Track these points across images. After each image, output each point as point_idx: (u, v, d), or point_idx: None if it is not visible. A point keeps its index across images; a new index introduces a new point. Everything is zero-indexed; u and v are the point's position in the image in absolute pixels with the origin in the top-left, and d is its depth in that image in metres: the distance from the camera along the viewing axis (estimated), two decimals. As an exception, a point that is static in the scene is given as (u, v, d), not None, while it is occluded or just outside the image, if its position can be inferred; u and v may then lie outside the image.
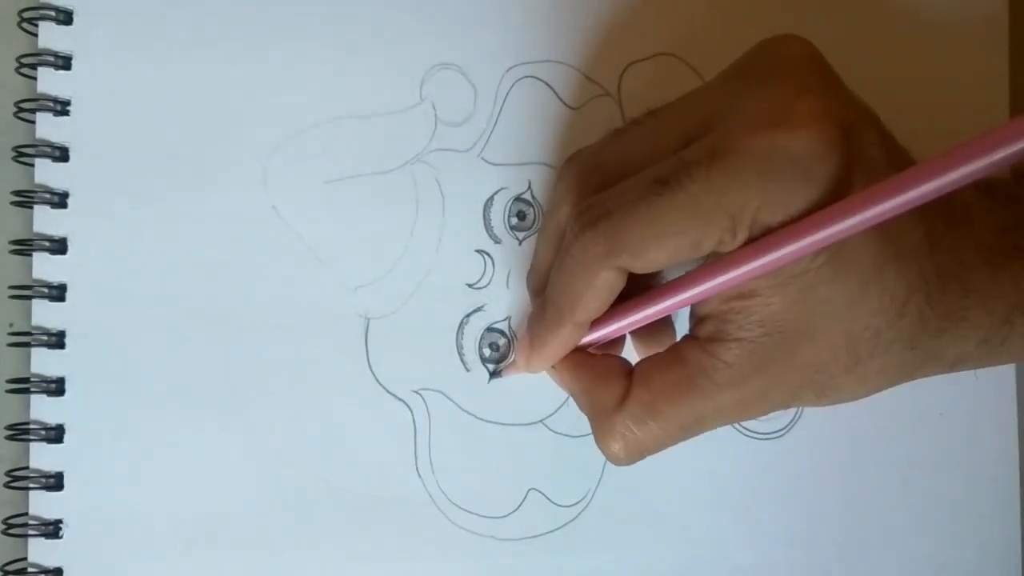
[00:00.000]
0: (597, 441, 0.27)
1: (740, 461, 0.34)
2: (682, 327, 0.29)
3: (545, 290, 0.28)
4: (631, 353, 0.30)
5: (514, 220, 0.32)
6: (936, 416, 0.35)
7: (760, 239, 0.23)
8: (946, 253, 0.25)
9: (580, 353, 0.28)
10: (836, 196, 0.22)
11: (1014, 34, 0.36)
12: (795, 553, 0.34)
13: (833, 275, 0.23)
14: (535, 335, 0.28)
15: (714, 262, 0.24)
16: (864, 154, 0.23)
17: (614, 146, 0.27)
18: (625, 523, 0.33)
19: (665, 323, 0.30)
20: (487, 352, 0.32)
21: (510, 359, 0.32)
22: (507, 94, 0.32)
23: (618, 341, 0.30)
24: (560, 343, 0.27)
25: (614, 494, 0.33)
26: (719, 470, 0.33)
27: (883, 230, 0.23)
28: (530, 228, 0.32)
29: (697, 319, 0.26)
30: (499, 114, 0.32)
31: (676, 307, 0.26)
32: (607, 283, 0.25)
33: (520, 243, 0.32)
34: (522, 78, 0.33)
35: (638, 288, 0.26)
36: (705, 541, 0.33)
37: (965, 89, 0.35)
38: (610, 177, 0.26)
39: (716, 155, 0.23)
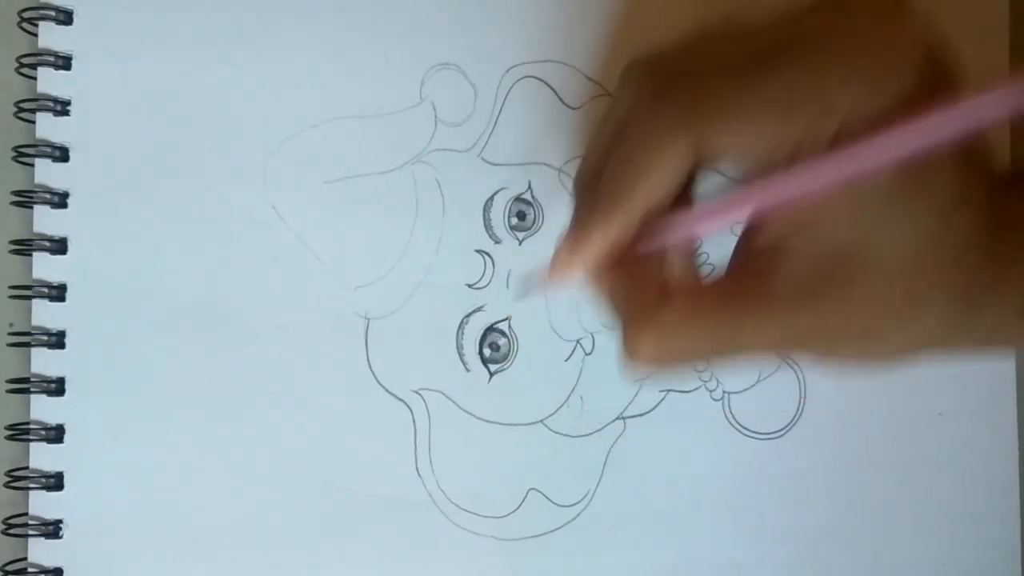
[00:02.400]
0: (626, 338, 0.25)
1: (740, 461, 0.34)
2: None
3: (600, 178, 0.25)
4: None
5: (514, 220, 0.32)
6: (936, 416, 0.35)
7: (845, 144, 0.22)
8: (1004, 209, 0.25)
9: (622, 260, 0.26)
10: (925, 105, 0.21)
11: (1014, 37, 0.36)
12: (795, 552, 0.34)
13: (909, 201, 0.23)
14: (580, 230, 0.25)
15: (791, 168, 0.23)
16: (950, 77, 0.23)
17: (696, 45, 0.25)
18: (625, 523, 0.33)
19: (694, 265, 0.28)
20: (487, 352, 0.32)
21: (510, 359, 0.32)
22: (507, 94, 0.32)
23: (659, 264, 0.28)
24: (610, 234, 0.25)
25: (614, 494, 0.33)
26: (719, 470, 0.33)
27: (962, 168, 0.23)
28: (530, 228, 0.32)
29: (753, 249, 0.25)
30: (499, 114, 0.32)
31: (746, 211, 0.24)
32: (679, 156, 0.23)
33: (520, 243, 0.32)
34: (522, 78, 0.33)
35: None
36: (705, 541, 0.33)
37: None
38: (691, 69, 0.24)
39: (820, 37, 0.22)
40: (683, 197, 0.25)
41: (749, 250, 0.25)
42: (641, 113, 0.24)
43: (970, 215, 0.24)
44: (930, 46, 0.23)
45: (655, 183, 0.23)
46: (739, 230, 0.26)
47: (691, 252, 0.27)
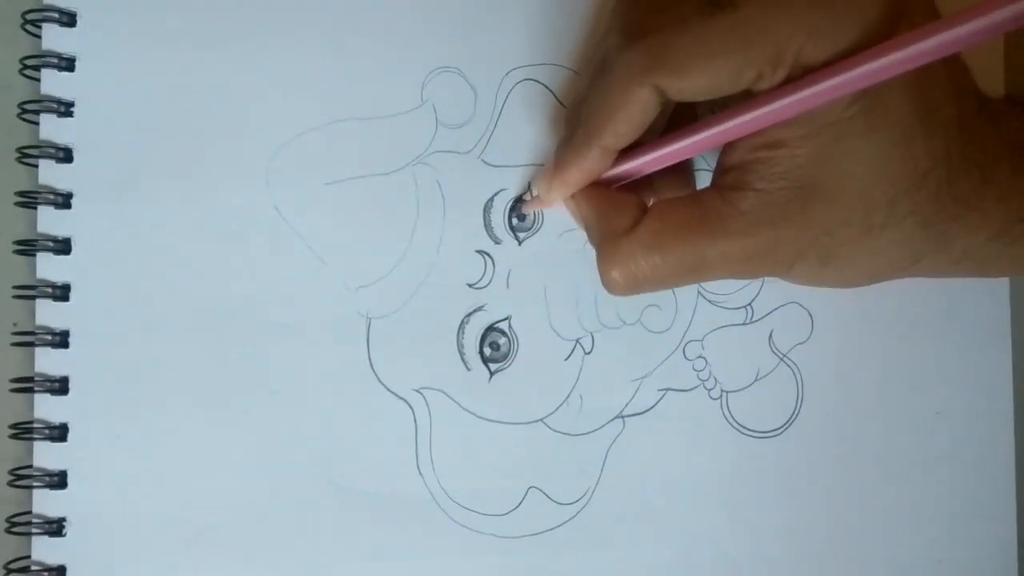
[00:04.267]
0: (600, 266, 0.27)
1: (737, 459, 0.34)
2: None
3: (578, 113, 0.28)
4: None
5: (514, 221, 0.32)
6: (933, 415, 0.35)
7: (798, 79, 0.23)
8: (973, 138, 0.25)
9: (600, 186, 0.28)
10: (881, 42, 0.22)
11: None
12: (792, 550, 0.34)
13: (864, 128, 0.24)
14: (560, 159, 0.28)
15: (748, 100, 0.24)
16: (913, 11, 0.23)
17: None
18: (624, 521, 0.33)
19: (687, 176, 0.30)
20: (487, 351, 0.32)
21: (511, 358, 0.32)
22: (507, 96, 0.33)
23: (644, 191, 0.30)
24: (585, 168, 0.27)
25: (613, 492, 0.33)
26: (717, 468, 0.34)
27: (920, 96, 0.23)
28: (530, 228, 0.33)
29: (721, 171, 0.26)
30: (499, 116, 0.33)
31: (702, 146, 0.25)
32: (642, 102, 0.25)
33: (520, 243, 0.33)
34: (522, 81, 0.33)
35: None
36: (703, 538, 0.33)
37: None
38: (663, 6, 0.26)
39: None
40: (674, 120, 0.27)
41: (720, 167, 0.26)
42: (614, 58, 0.25)
43: (930, 143, 0.24)
44: None
45: (624, 122, 0.25)
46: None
47: (683, 170, 0.29)
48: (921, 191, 0.25)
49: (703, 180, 0.32)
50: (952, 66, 0.25)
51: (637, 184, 0.29)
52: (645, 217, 0.26)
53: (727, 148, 0.26)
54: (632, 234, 0.26)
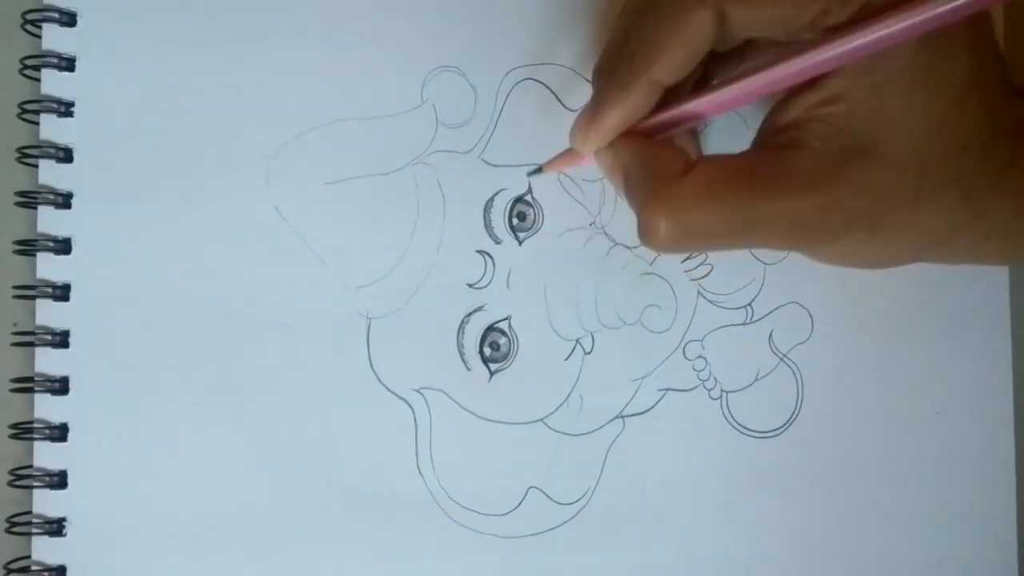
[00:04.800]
0: (644, 214, 0.24)
1: (737, 459, 0.34)
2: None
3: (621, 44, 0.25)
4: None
5: (515, 221, 0.32)
6: (933, 415, 0.35)
7: (872, 13, 0.22)
8: (1007, 107, 0.25)
9: (637, 134, 0.26)
10: None
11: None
12: (792, 550, 0.34)
13: (927, 82, 0.23)
14: (601, 99, 0.25)
15: (816, 41, 0.23)
16: None
17: None
18: (624, 521, 0.33)
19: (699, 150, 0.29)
20: (488, 351, 0.32)
21: (511, 358, 0.32)
22: (507, 96, 0.33)
23: (688, 142, 0.28)
24: (629, 107, 0.25)
25: (613, 492, 0.33)
26: (717, 468, 0.34)
27: (977, 54, 0.23)
28: (530, 228, 0.33)
29: (772, 130, 0.25)
30: (499, 116, 0.33)
31: (768, 88, 0.24)
32: (702, 27, 0.23)
33: (520, 243, 0.33)
34: (522, 80, 0.33)
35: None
36: (703, 539, 0.34)
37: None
38: None
39: None
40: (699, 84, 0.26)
41: (772, 127, 0.25)
42: None
43: (979, 103, 0.24)
44: None
45: (676, 54, 0.24)
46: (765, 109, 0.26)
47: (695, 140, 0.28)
48: (967, 156, 0.24)
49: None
50: (993, 34, 0.25)
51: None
52: (696, 166, 0.25)
53: (779, 106, 0.25)
54: (685, 179, 0.24)
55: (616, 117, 0.25)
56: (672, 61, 0.24)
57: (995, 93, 0.25)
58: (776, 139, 0.25)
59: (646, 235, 0.25)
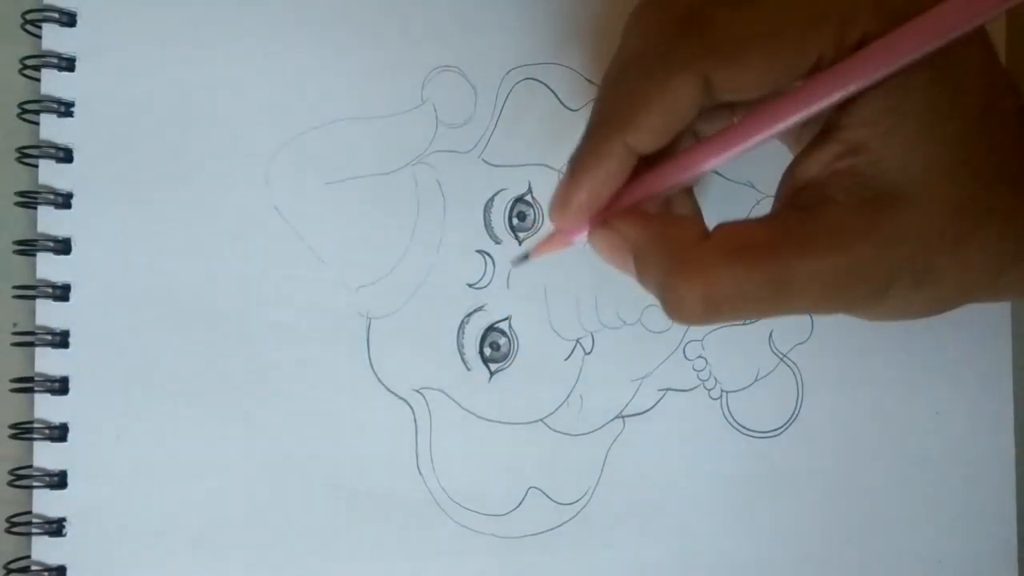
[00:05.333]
0: (668, 288, 0.22)
1: (737, 459, 0.34)
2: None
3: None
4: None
5: (515, 221, 0.32)
6: (933, 414, 0.35)
7: (870, 45, 0.21)
8: None
9: (638, 210, 0.24)
10: None
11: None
12: (792, 550, 0.34)
13: (945, 115, 0.22)
14: (575, 164, 0.23)
15: (818, 74, 0.22)
16: None
17: None
18: (624, 521, 0.33)
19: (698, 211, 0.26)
20: (488, 351, 0.32)
21: (511, 358, 0.32)
22: (507, 96, 0.33)
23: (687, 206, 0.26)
24: (604, 172, 0.23)
25: (613, 492, 0.33)
26: (717, 468, 0.34)
27: (990, 81, 0.22)
28: (530, 228, 0.33)
29: (794, 190, 0.24)
30: (499, 116, 0.33)
31: (765, 136, 0.22)
32: (683, 95, 0.21)
33: (520, 244, 0.33)
34: (522, 80, 0.33)
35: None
36: (703, 538, 0.34)
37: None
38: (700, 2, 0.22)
39: None
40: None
41: (791, 188, 0.24)
42: (647, 51, 0.22)
43: (1004, 124, 0.23)
44: None
45: (654, 120, 0.22)
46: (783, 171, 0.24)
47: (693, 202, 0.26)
48: (1002, 184, 0.23)
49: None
50: (996, 54, 0.24)
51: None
52: (716, 231, 0.23)
53: (796, 165, 0.24)
54: (707, 244, 0.22)
55: (591, 184, 0.23)
56: (649, 125, 0.22)
57: (1012, 117, 0.24)
58: (799, 199, 0.23)
59: (675, 309, 0.22)
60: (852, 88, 0.22)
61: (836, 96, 0.22)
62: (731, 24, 0.21)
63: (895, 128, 0.22)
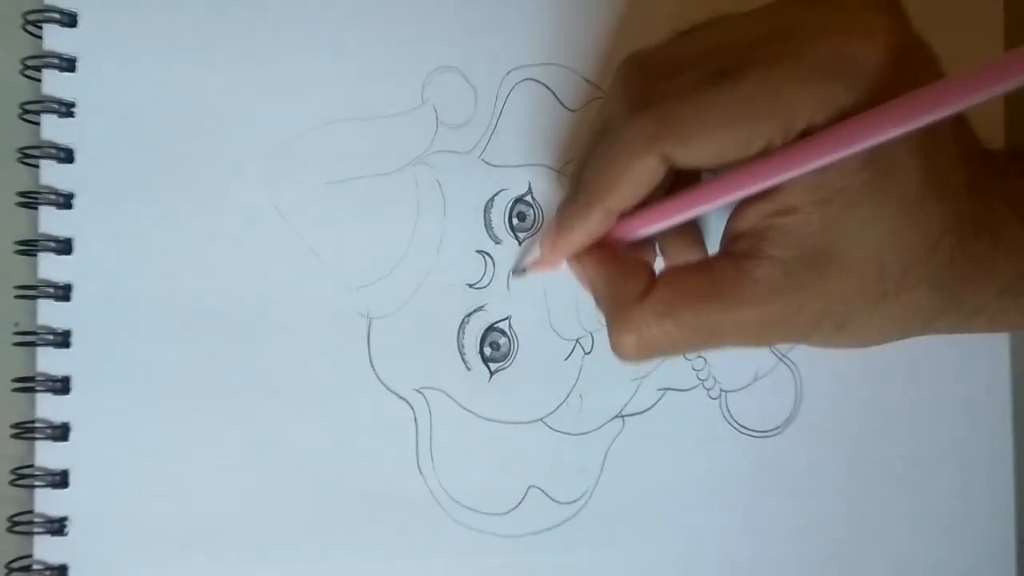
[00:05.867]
0: (611, 334, 0.26)
1: (737, 459, 0.34)
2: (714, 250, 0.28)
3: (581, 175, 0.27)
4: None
5: (515, 221, 0.33)
6: (932, 414, 0.35)
7: (811, 136, 0.23)
8: (982, 200, 0.25)
9: (607, 248, 0.28)
10: (893, 96, 0.22)
11: (1009, 38, 0.36)
12: (791, 550, 0.34)
13: (876, 197, 0.23)
14: (563, 220, 0.27)
15: (761, 158, 0.24)
16: (918, 72, 0.23)
17: (675, 45, 0.27)
18: (624, 520, 0.33)
19: (696, 238, 0.30)
20: (488, 351, 0.32)
21: (511, 358, 0.32)
22: (507, 97, 0.33)
23: (648, 249, 0.29)
24: (587, 229, 0.27)
25: (613, 491, 0.33)
26: (716, 468, 0.34)
27: (929, 162, 0.23)
28: (530, 229, 0.33)
29: (732, 237, 0.26)
30: (499, 116, 0.33)
31: (709, 206, 0.25)
32: (647, 170, 0.24)
33: (520, 244, 0.33)
34: (522, 81, 0.33)
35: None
36: (703, 538, 0.34)
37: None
38: (669, 73, 0.25)
39: (780, 56, 0.23)
40: (685, 181, 0.26)
41: (731, 234, 0.26)
42: (618, 127, 0.25)
43: (941, 207, 0.24)
44: (896, 34, 0.23)
45: (627, 187, 0.25)
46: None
47: (691, 230, 0.29)
48: (934, 258, 0.25)
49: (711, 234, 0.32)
50: (959, 127, 0.25)
51: (645, 248, 0.29)
52: (656, 284, 0.26)
53: (737, 213, 0.26)
54: (644, 302, 0.26)
55: (575, 238, 0.27)
56: (623, 195, 0.25)
57: (962, 189, 0.25)
58: (736, 246, 0.25)
59: (615, 350, 0.27)
60: (789, 175, 0.23)
61: (773, 180, 0.23)
62: (684, 113, 0.24)
63: (827, 200, 0.24)
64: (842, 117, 0.22)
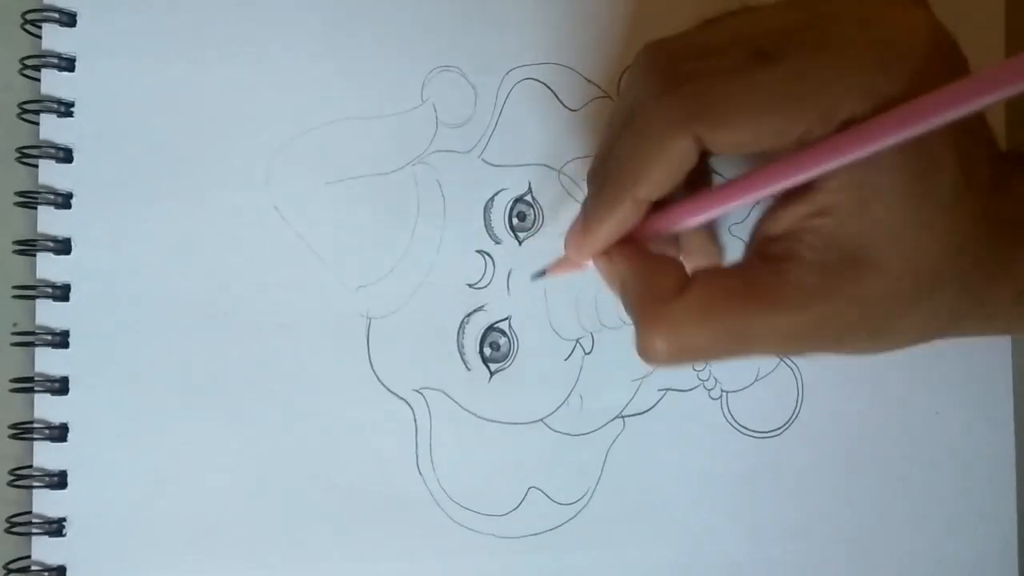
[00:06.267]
0: (640, 334, 0.25)
1: (738, 459, 0.34)
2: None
3: (606, 165, 0.26)
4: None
5: (515, 221, 0.32)
6: (933, 415, 0.35)
7: (852, 128, 0.22)
8: (1008, 198, 0.25)
9: (636, 244, 0.26)
10: (931, 87, 0.22)
11: (1010, 41, 0.36)
12: (792, 550, 0.34)
13: (912, 196, 0.23)
14: (590, 214, 0.26)
15: (801, 150, 0.23)
16: (953, 64, 0.23)
17: (705, 32, 0.25)
18: (624, 521, 0.33)
19: (716, 240, 0.29)
20: (488, 351, 0.32)
21: (511, 358, 0.32)
22: (507, 96, 0.33)
23: (672, 252, 0.29)
24: (616, 222, 0.25)
25: (613, 492, 0.33)
26: (717, 468, 0.34)
27: (965, 156, 0.23)
28: (530, 228, 0.33)
29: (765, 239, 0.25)
30: (499, 116, 0.33)
31: (753, 197, 0.24)
32: (681, 152, 0.23)
33: (520, 243, 0.33)
34: (522, 80, 0.33)
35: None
36: (703, 538, 0.34)
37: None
38: (701, 56, 0.24)
39: (824, 40, 0.23)
40: (699, 178, 0.26)
41: (764, 237, 0.25)
42: (647, 109, 0.24)
43: (971, 204, 0.24)
44: (936, 28, 0.23)
45: (659, 173, 0.24)
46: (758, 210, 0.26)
47: (710, 231, 0.28)
48: (965, 254, 0.24)
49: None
50: (982, 126, 0.25)
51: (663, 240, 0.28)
52: (692, 284, 0.25)
53: (769, 216, 0.25)
54: (679, 301, 0.24)
55: (604, 232, 0.26)
56: (654, 181, 0.24)
57: (986, 187, 0.24)
58: (770, 249, 0.25)
59: (644, 353, 0.25)
60: (831, 166, 0.22)
61: (815, 171, 0.23)
62: (723, 92, 0.23)
63: (865, 200, 0.23)
64: (883, 108, 0.22)
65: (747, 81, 0.23)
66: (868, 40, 0.22)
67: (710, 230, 0.29)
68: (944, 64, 0.23)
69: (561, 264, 0.30)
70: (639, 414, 0.33)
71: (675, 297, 0.24)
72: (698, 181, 0.26)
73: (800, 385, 0.34)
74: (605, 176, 0.26)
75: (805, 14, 0.24)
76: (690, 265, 0.29)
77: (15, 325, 0.30)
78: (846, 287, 0.24)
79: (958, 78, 0.21)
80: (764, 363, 0.34)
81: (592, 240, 0.26)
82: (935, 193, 0.23)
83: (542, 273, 0.31)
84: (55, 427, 0.30)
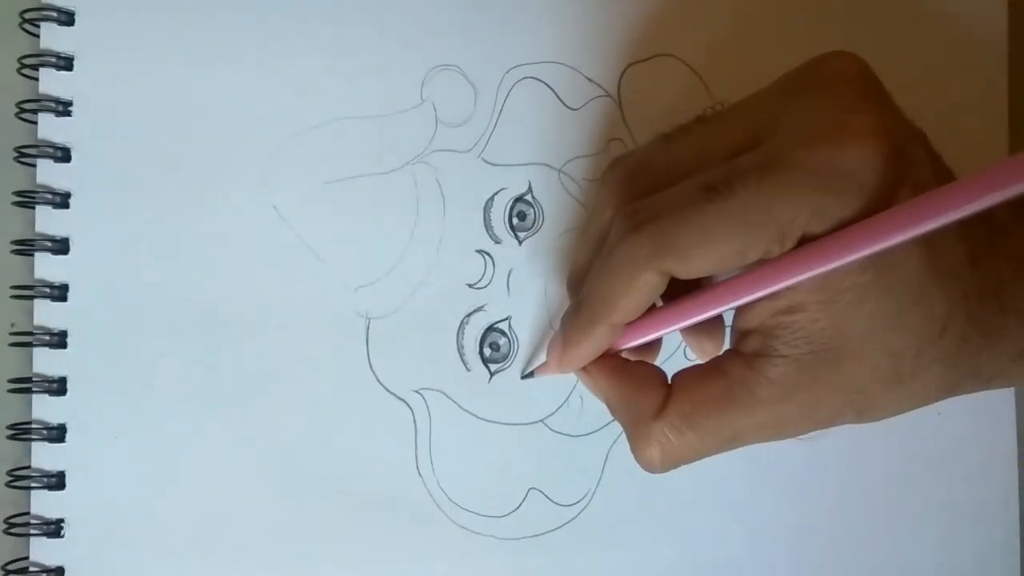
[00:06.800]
0: (633, 449, 0.27)
1: (738, 459, 0.33)
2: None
3: (582, 290, 0.28)
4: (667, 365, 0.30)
5: (515, 220, 0.32)
6: (935, 416, 0.35)
7: (809, 245, 0.23)
8: (986, 270, 0.25)
9: (615, 358, 0.28)
10: (888, 201, 0.22)
11: (1013, 43, 0.36)
12: (793, 551, 0.34)
13: (879, 292, 0.23)
14: (568, 334, 0.27)
15: (760, 267, 0.24)
16: (913, 170, 0.23)
17: (661, 151, 0.27)
18: (624, 522, 0.33)
19: (713, 321, 0.29)
20: (487, 352, 0.32)
21: (511, 359, 0.32)
22: (507, 95, 0.32)
23: (654, 346, 0.29)
24: (593, 344, 0.27)
25: (614, 493, 0.33)
26: (718, 469, 0.33)
27: (928, 247, 0.23)
28: (530, 228, 0.32)
29: (741, 333, 0.26)
30: (499, 115, 0.32)
31: (716, 312, 0.25)
32: (648, 286, 0.25)
33: (520, 243, 0.32)
34: (522, 79, 0.33)
35: (678, 291, 0.26)
36: (704, 539, 0.33)
37: (963, 102, 0.35)
38: (657, 182, 0.26)
39: (768, 166, 0.23)
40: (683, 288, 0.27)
41: (739, 331, 0.26)
42: (616, 249, 0.25)
43: (946, 291, 0.24)
44: (888, 136, 0.23)
45: (630, 303, 0.25)
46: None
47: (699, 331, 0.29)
48: (944, 337, 0.24)
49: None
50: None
51: (650, 345, 0.29)
52: (671, 397, 0.26)
53: (744, 310, 0.25)
54: (662, 417, 0.26)
55: (582, 352, 0.27)
56: (626, 310, 0.26)
57: (963, 266, 0.25)
58: (746, 345, 0.25)
59: (640, 464, 0.27)
60: (791, 281, 0.23)
61: (776, 286, 0.24)
62: (679, 232, 0.24)
63: (832, 299, 0.24)
64: (840, 225, 0.23)
65: (699, 218, 0.24)
66: (813, 162, 0.23)
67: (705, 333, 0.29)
68: (905, 169, 0.23)
69: (545, 368, 0.31)
70: (639, 415, 0.33)
71: (657, 415, 0.26)
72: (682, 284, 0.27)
73: (801, 386, 0.34)
74: (581, 300, 0.27)
75: (752, 126, 0.25)
76: (694, 345, 0.30)
77: (13, 325, 0.30)
78: (826, 376, 0.24)
79: (923, 182, 0.22)
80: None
81: (570, 358, 0.28)
82: (900, 287, 0.24)
83: (531, 374, 0.32)
84: (53, 428, 0.30)
